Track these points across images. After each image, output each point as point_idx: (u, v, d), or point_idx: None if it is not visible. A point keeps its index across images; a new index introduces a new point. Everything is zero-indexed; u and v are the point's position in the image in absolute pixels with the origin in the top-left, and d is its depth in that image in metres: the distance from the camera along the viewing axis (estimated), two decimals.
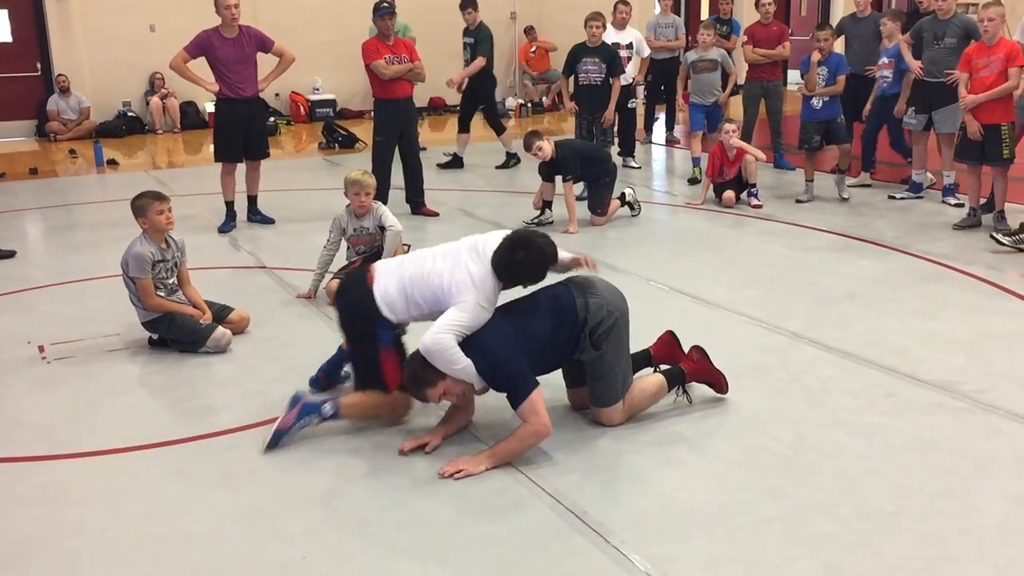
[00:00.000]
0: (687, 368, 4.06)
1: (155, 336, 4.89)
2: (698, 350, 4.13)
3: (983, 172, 7.05)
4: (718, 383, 4.11)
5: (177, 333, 4.82)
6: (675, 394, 4.02)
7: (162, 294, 4.82)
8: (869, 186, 8.52)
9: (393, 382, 3.78)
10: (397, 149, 7.88)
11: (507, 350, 3.52)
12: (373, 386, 3.82)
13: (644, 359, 4.14)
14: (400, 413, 3.93)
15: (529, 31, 15.32)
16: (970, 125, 6.87)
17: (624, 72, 9.01)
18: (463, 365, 3.50)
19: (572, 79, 8.62)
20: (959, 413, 3.97)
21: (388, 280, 3.73)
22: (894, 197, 8.11)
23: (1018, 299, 5.42)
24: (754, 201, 7.93)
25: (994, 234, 6.45)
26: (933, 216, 7.20)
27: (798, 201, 8.05)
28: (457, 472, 3.47)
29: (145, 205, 4.80)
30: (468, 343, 3.53)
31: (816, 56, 7.92)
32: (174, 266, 4.94)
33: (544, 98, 15.14)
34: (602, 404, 3.83)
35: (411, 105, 8.01)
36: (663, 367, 4.11)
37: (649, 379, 3.98)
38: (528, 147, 7.23)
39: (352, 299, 3.83)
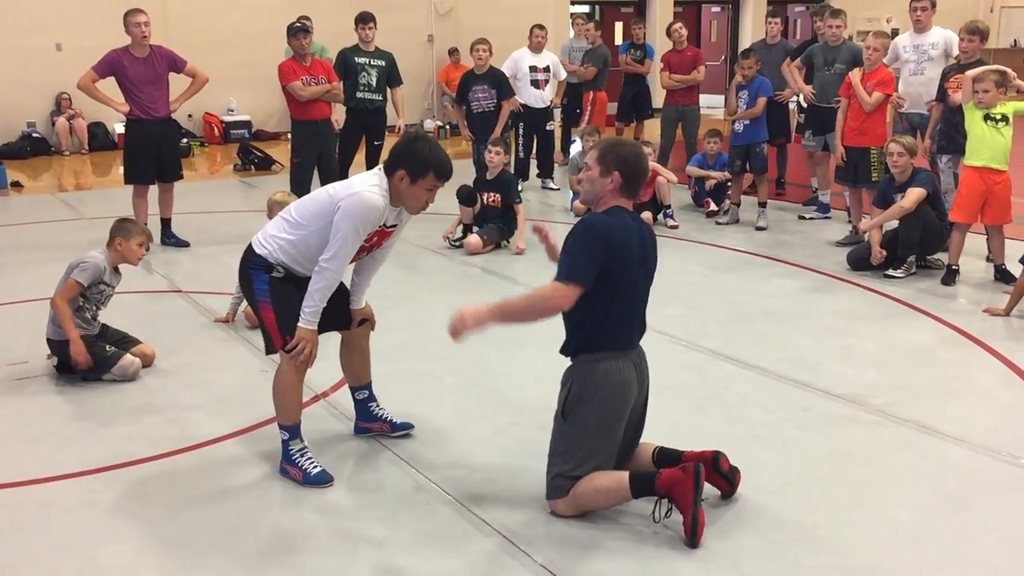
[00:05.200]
0: (661, 478, 3.19)
1: (57, 361, 4.72)
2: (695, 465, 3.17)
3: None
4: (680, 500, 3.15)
5: None
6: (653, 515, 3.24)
7: (88, 316, 4.70)
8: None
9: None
10: (316, 171, 7.81)
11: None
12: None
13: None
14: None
15: (453, 52, 15.30)
16: (836, 149, 7.24)
17: (515, 94, 8.93)
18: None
19: (466, 108, 8.62)
20: (871, 426, 4.10)
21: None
22: (803, 217, 8.36)
23: (922, 314, 5.63)
24: (670, 222, 8.07)
25: (888, 272, 6.40)
26: (841, 235, 7.44)
27: (718, 223, 8.21)
28: (461, 325, 3.13)
29: (132, 230, 4.85)
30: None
31: (737, 79, 8.09)
32: (107, 298, 4.83)
33: None
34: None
35: (329, 127, 7.96)
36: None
37: (603, 475, 3.27)
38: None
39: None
